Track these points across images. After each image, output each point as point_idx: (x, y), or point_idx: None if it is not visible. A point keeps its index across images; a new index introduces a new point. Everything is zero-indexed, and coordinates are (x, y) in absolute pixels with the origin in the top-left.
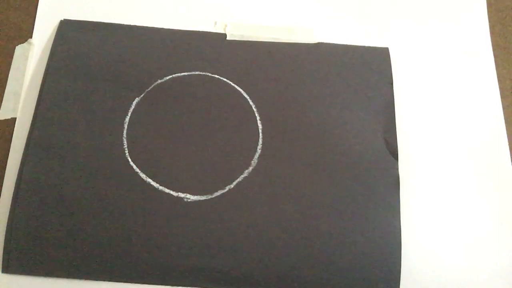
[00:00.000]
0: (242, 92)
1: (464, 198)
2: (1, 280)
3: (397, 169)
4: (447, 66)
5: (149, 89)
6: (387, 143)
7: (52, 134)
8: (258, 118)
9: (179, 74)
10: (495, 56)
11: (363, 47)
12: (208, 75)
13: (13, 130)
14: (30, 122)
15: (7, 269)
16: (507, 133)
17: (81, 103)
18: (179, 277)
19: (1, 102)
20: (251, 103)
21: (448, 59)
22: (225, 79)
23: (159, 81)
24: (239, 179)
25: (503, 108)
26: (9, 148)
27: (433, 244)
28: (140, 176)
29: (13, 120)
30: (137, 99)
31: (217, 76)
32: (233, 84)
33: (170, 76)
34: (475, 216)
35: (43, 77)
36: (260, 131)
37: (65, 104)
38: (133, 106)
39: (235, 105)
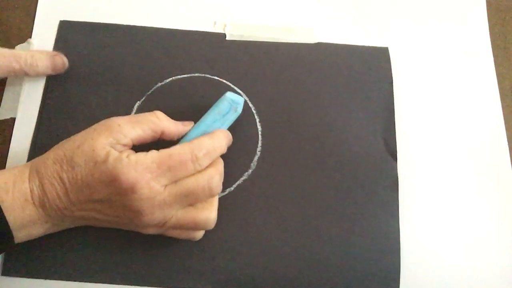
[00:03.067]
0: (243, 94)
1: (463, 198)
2: (1, 282)
3: (396, 169)
4: (447, 66)
5: (149, 92)
6: (386, 144)
7: (56, 137)
8: (257, 120)
9: (179, 77)
10: (495, 56)
11: (363, 47)
12: (208, 77)
13: (13, 130)
14: (30, 122)
15: (7, 272)
16: (506, 133)
17: (83, 107)
18: (179, 279)
19: (1, 102)
20: (250, 105)
21: (448, 59)
22: (225, 81)
23: (160, 84)
24: (239, 182)
25: (503, 108)
26: (9, 148)
27: (432, 245)
28: None
29: (13, 120)
30: (138, 103)
31: (217, 78)
32: (233, 86)
33: (170, 79)
34: (474, 216)
35: (46, 81)
36: (259, 133)
37: (68, 107)
38: (134, 110)
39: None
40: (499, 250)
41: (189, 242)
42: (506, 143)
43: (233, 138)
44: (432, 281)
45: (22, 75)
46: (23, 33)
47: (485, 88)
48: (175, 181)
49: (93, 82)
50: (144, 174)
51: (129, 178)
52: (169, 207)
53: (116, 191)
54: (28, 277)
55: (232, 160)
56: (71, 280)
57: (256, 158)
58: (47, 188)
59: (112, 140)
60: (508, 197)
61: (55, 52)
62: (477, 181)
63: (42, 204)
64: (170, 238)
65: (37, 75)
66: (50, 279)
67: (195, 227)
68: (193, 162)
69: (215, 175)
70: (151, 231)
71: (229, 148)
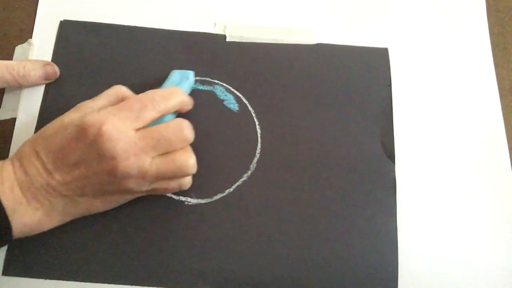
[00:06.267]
0: (242, 97)
1: (462, 200)
2: (1, 282)
3: (394, 172)
4: (446, 67)
5: None
6: (384, 147)
7: None
8: (257, 123)
9: None
10: (494, 56)
11: (363, 47)
12: (208, 81)
13: (13, 130)
14: (30, 122)
15: (7, 271)
16: (506, 133)
17: None
18: (178, 279)
19: (1, 102)
20: (250, 108)
21: (447, 60)
22: (225, 84)
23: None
24: (238, 183)
25: (502, 109)
26: (9, 148)
27: (429, 247)
28: None
29: (13, 120)
30: None
31: (217, 82)
32: (232, 89)
33: None
34: (473, 217)
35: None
36: (258, 135)
37: (68, 108)
38: None
39: (234, 110)
40: (498, 250)
41: (189, 242)
42: (506, 143)
43: (232, 140)
44: (430, 281)
45: (16, 85)
46: (24, 33)
47: (484, 89)
48: (143, 126)
49: (93, 83)
50: (107, 115)
51: (94, 121)
52: (143, 151)
53: (86, 140)
54: (28, 277)
55: (232, 161)
56: (71, 280)
57: (255, 160)
58: (27, 166)
59: (80, 113)
60: (508, 197)
61: (46, 61)
62: (476, 182)
63: (27, 186)
64: (169, 238)
65: (30, 85)
66: (50, 279)
67: (178, 171)
68: (151, 102)
69: (184, 121)
70: (135, 185)
71: (228, 150)
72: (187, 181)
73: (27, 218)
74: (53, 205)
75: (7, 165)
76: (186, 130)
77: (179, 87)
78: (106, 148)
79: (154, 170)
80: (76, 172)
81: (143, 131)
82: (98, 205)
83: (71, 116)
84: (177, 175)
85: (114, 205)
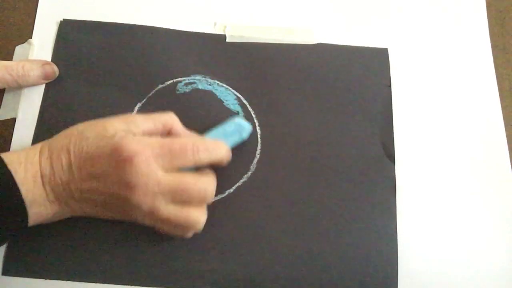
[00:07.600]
0: (242, 98)
1: (462, 200)
2: (1, 282)
3: (394, 172)
4: (446, 67)
5: (150, 94)
6: (384, 147)
7: None
8: (257, 124)
9: (179, 79)
10: (494, 56)
11: (363, 48)
12: (208, 80)
13: (13, 130)
14: (30, 122)
15: (7, 272)
16: (506, 133)
17: (84, 107)
18: (178, 279)
19: (1, 102)
20: (250, 109)
21: (447, 60)
22: (225, 85)
23: (160, 86)
24: (238, 184)
25: (502, 109)
26: (9, 148)
27: (429, 247)
28: None
29: (13, 120)
30: (139, 104)
31: (217, 82)
32: (232, 90)
33: (171, 81)
34: (472, 218)
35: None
36: (258, 136)
37: (68, 108)
38: (135, 111)
39: (234, 111)
40: (498, 250)
41: (189, 243)
42: (505, 143)
43: None
44: (430, 281)
45: (15, 86)
46: (24, 33)
47: (484, 89)
48: (175, 170)
49: (93, 82)
50: (146, 149)
51: (130, 148)
52: (162, 195)
53: (115, 162)
54: (28, 277)
55: (232, 162)
56: (71, 280)
57: (255, 160)
58: (54, 160)
59: (125, 127)
60: (508, 197)
61: (45, 61)
62: (476, 182)
63: (49, 179)
64: (169, 238)
65: (30, 85)
66: (50, 279)
67: (186, 225)
68: (193, 152)
69: (213, 183)
70: (141, 217)
71: None
72: (190, 234)
73: (43, 210)
74: (66, 202)
75: (34, 152)
76: (210, 191)
77: (225, 144)
78: (130, 177)
79: (164, 215)
80: (94, 184)
81: (171, 176)
82: (105, 214)
83: (115, 127)
84: (184, 227)
85: (118, 219)
